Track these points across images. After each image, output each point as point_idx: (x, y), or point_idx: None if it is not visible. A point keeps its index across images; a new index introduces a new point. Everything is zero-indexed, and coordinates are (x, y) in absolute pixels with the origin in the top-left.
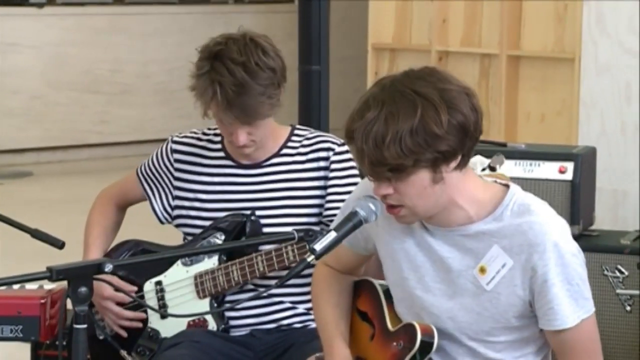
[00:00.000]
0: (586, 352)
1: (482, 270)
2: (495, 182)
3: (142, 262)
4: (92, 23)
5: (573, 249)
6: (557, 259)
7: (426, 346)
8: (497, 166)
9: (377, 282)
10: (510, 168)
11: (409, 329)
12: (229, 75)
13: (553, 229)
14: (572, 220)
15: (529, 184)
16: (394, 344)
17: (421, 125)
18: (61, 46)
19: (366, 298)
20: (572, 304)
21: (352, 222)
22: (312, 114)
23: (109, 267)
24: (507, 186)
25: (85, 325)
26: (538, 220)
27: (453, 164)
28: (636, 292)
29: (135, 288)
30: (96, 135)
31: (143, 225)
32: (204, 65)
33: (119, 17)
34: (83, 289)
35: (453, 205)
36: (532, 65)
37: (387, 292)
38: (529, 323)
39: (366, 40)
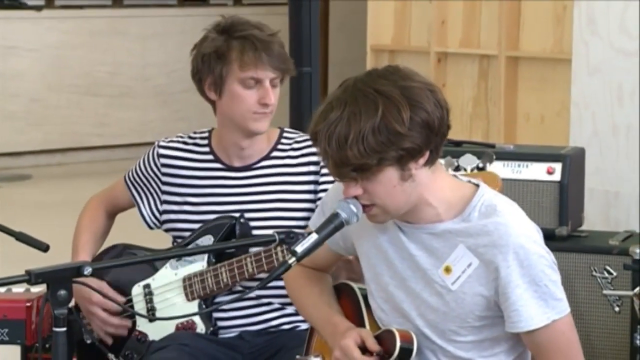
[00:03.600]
0: (561, 352)
1: (447, 270)
2: (470, 182)
3: (124, 265)
4: (91, 26)
5: (540, 250)
6: (522, 261)
7: (405, 353)
8: (487, 164)
9: (356, 287)
10: (498, 169)
11: (388, 335)
12: (252, 29)
13: (518, 230)
14: (561, 221)
15: (518, 185)
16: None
17: (383, 124)
18: (60, 49)
19: (346, 302)
20: (540, 305)
21: (334, 224)
22: (304, 115)
23: (88, 270)
24: (477, 186)
25: (65, 329)
26: (503, 221)
27: (421, 161)
28: (625, 292)
29: (124, 299)
30: (96, 137)
31: (133, 229)
32: (218, 36)
33: (117, 20)
34: (62, 292)
35: (423, 202)
36: (531, 66)
37: (366, 298)
38: (495, 323)
39: (365, 42)
